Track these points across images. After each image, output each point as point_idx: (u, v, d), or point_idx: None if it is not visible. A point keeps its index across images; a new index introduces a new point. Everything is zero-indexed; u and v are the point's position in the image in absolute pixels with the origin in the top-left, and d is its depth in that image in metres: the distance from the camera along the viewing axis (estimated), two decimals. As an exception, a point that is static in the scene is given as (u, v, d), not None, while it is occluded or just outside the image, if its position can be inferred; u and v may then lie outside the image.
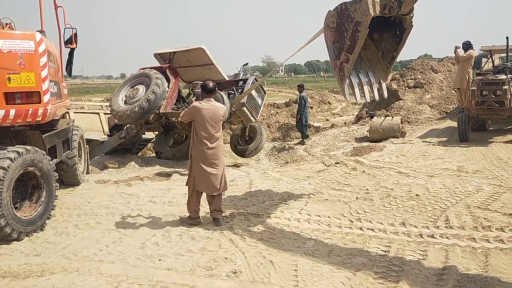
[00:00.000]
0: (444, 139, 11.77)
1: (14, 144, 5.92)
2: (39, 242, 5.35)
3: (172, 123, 10.25)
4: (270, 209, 6.40)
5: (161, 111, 9.84)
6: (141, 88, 9.92)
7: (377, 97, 6.17)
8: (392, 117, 12.99)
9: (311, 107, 21.61)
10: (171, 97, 10.09)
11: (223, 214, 5.95)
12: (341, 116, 22.14)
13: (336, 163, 9.49)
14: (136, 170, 9.77)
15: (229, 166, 10.15)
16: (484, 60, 15.68)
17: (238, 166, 10.61)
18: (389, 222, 5.59)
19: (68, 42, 7.59)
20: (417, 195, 6.66)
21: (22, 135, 6.28)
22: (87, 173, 9.12)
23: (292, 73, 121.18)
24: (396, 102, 15.88)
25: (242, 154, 10.95)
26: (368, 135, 12.61)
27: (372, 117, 13.36)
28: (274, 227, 5.63)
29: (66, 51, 7.73)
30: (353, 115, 20.45)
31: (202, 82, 6.05)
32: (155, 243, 5.16)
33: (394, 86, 17.16)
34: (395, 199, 6.55)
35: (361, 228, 5.45)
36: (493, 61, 12.91)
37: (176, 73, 10.56)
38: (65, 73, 7.88)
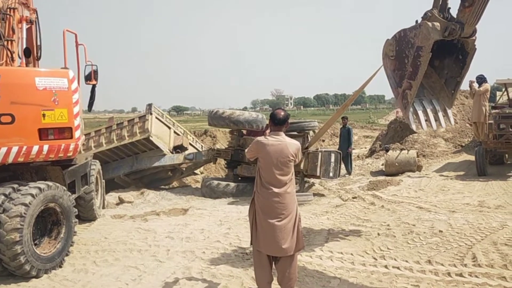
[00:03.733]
0: (462, 173, 11.63)
1: (35, 180, 5.92)
2: (58, 280, 5.27)
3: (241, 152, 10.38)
4: (290, 246, 6.27)
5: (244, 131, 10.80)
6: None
7: (443, 124, 6.05)
8: (408, 150, 12.89)
9: (323, 141, 21.61)
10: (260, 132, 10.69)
11: None
12: (353, 149, 22.01)
13: (353, 198, 9.37)
14: (151, 204, 9.73)
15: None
16: (498, 93, 15.67)
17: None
18: (415, 260, 5.44)
19: (88, 78, 7.72)
20: (440, 231, 6.51)
21: (43, 170, 6.30)
22: (103, 207, 9.09)
23: (302, 106, 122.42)
24: (410, 135, 15.81)
25: None
26: (384, 169, 12.49)
27: (387, 150, 13.27)
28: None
29: (85, 88, 7.86)
30: (365, 148, 20.36)
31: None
32: (176, 281, 5.05)
33: (408, 119, 17.08)
34: (418, 235, 6.40)
35: (386, 266, 5.30)
36: (508, 95, 12.88)
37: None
38: (84, 108, 7.98)
